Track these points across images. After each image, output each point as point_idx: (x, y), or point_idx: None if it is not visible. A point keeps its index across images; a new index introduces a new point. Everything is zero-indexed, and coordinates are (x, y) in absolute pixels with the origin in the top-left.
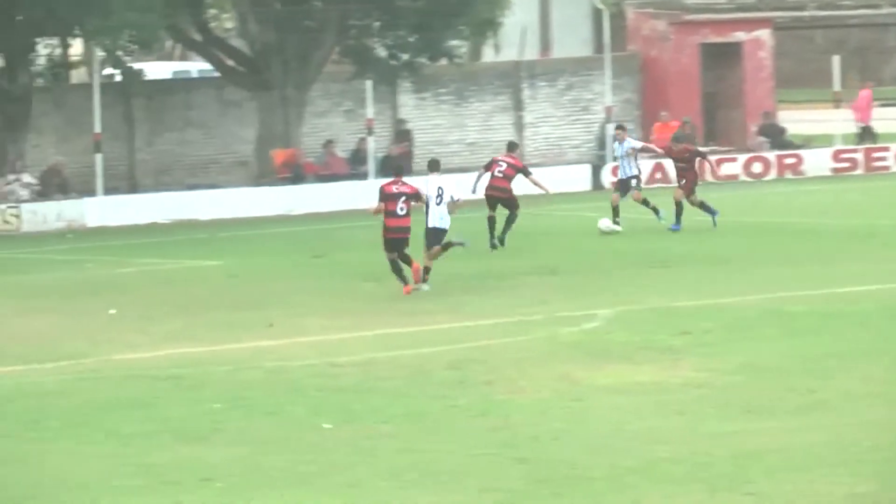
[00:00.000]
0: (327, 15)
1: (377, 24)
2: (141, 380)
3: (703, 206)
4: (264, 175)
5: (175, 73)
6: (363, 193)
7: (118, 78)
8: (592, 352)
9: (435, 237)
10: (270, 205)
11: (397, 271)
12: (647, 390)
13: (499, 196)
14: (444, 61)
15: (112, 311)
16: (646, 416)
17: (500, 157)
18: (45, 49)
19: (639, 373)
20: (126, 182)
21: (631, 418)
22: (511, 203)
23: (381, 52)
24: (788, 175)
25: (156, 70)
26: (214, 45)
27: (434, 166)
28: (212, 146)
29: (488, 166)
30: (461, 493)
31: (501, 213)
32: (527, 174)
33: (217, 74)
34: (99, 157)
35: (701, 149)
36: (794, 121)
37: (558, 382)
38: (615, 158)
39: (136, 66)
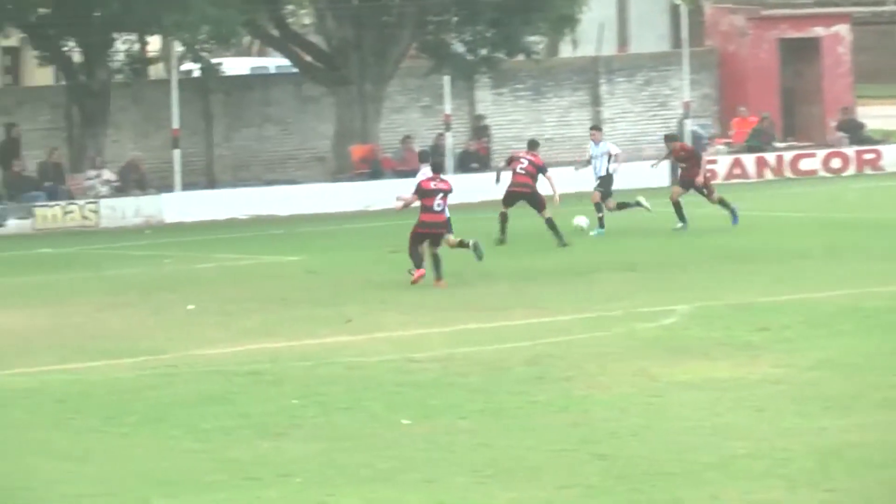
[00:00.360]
0: (405, 10)
1: (455, 19)
2: (219, 375)
3: (678, 206)
4: (342, 171)
5: (253, 68)
6: None
7: (196, 74)
8: (670, 347)
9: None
10: (348, 200)
11: (415, 257)
12: (726, 386)
13: (521, 192)
14: (521, 57)
15: (190, 307)
16: (724, 412)
17: (521, 154)
18: (123, 45)
19: (717, 369)
20: (204, 178)
21: (709, 414)
22: (537, 201)
23: (459, 48)
24: (867, 170)
25: (234, 66)
26: (292, 40)
27: (425, 157)
28: (290, 142)
29: (510, 162)
30: (539, 488)
31: (517, 213)
32: (544, 172)
33: (295, 70)
34: (177, 153)
35: (698, 150)
36: (874, 116)
37: (637, 378)
38: (590, 159)
39: (216, 62)
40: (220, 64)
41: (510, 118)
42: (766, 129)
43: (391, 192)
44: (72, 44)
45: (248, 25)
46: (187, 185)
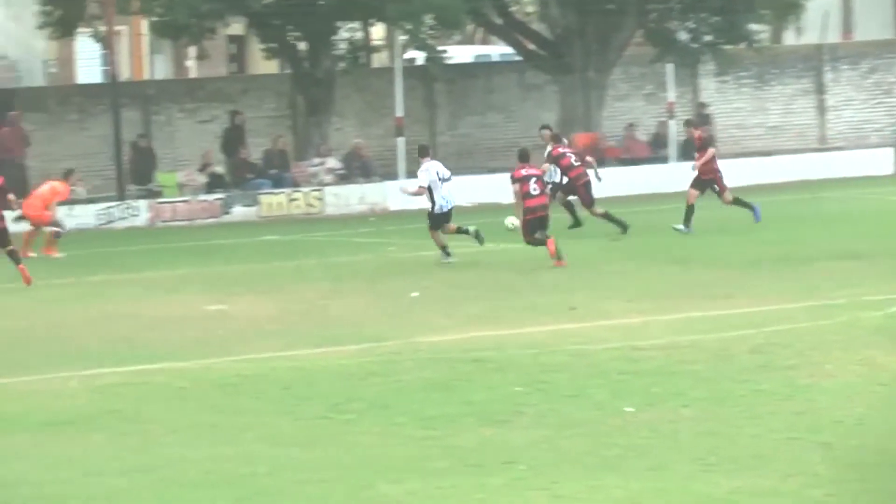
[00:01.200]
0: None
1: (678, 6)
2: (443, 362)
3: (690, 210)
4: None
5: (476, 56)
6: (664, 177)
7: (419, 61)
8: None
9: (445, 218)
10: None
11: (536, 243)
12: None
13: (587, 181)
14: (744, 44)
15: (414, 294)
16: None
17: (564, 149)
18: (346, 33)
19: None
20: None
21: None
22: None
23: (682, 35)
24: None
25: (457, 54)
26: (515, 28)
27: (424, 152)
28: (513, 130)
29: (578, 158)
30: (764, 477)
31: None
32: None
33: (518, 58)
34: (401, 141)
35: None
36: None
37: (862, 367)
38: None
39: (438, 49)
40: (444, 52)
41: (734, 106)
42: None
43: (615, 180)
44: (296, 32)
45: (472, 13)
46: (411, 173)
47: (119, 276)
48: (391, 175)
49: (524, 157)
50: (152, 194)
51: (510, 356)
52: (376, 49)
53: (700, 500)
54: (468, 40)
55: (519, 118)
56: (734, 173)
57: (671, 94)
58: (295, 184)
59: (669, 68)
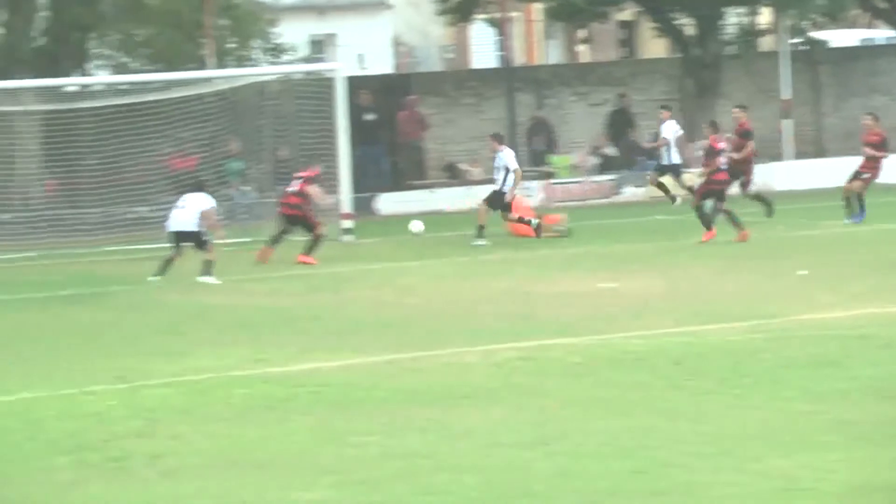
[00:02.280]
0: None
1: None
2: (831, 339)
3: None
4: None
5: (862, 40)
6: None
7: (803, 46)
8: None
9: (504, 204)
10: None
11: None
12: None
13: None
14: None
15: (802, 272)
16: None
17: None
18: (734, 17)
19: None
20: (813, 147)
21: None
22: None
23: None
24: None
25: (842, 38)
26: None
27: (501, 139)
28: None
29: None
30: None
31: None
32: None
33: None
34: (788, 123)
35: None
36: None
37: None
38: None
39: (822, 34)
40: (822, 41)
41: None
42: None
43: None
44: (684, 18)
45: None
46: (798, 154)
47: (514, 254)
48: (776, 156)
49: (716, 129)
50: (546, 175)
51: None
52: (763, 33)
53: None
54: (854, 24)
55: None
56: None
57: None
58: (685, 165)
59: None
